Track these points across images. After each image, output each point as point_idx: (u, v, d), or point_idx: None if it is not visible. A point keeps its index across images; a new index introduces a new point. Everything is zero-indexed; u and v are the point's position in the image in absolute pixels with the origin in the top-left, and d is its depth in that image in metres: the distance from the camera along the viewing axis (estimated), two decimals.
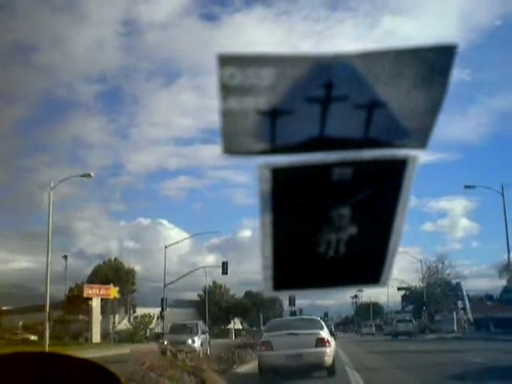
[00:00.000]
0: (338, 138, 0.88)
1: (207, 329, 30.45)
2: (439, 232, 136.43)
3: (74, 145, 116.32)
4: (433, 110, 0.85)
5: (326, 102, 0.85)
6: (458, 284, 60.67)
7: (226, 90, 0.83)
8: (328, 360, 14.48)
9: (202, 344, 26.71)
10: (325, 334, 15.18)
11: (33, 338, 51.33)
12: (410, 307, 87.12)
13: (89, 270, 68.11)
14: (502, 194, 39.15)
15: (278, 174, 0.90)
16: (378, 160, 0.90)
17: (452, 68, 0.82)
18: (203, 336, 28.05)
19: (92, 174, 37.66)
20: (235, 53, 0.82)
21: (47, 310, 33.74)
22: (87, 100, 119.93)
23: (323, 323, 16.50)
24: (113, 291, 54.35)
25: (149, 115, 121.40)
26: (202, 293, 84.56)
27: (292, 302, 67.48)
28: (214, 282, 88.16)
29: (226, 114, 0.84)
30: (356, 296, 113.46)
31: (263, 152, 0.88)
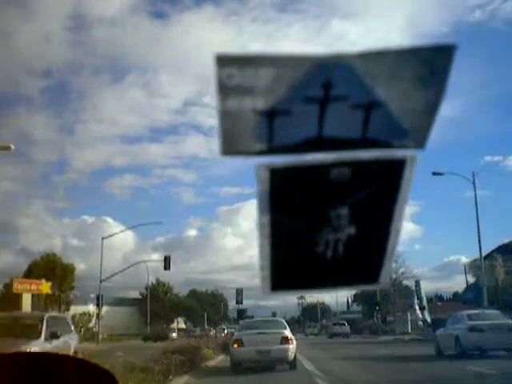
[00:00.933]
0: (337, 139, 0.88)
1: (72, 327, 17.38)
2: None
3: (19, 140, 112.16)
4: (431, 110, 0.85)
5: (325, 103, 0.84)
6: (417, 282, 55.89)
7: (224, 90, 0.82)
8: (291, 355, 16.79)
9: None
10: (288, 333, 17.51)
11: None
12: (360, 307, 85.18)
13: None
14: (474, 183, 36.21)
15: (276, 174, 0.89)
16: (376, 160, 0.90)
17: (450, 68, 0.83)
18: (54, 343, 14.20)
19: (12, 147, 30.28)
20: (233, 53, 0.81)
21: None
22: (33, 95, 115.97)
23: (286, 324, 18.83)
24: (44, 287, 50.79)
25: (95, 112, 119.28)
26: (144, 291, 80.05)
27: (240, 300, 66.86)
28: (158, 280, 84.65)
29: (225, 115, 0.83)
30: (302, 297, 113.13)
31: (261, 152, 0.87)
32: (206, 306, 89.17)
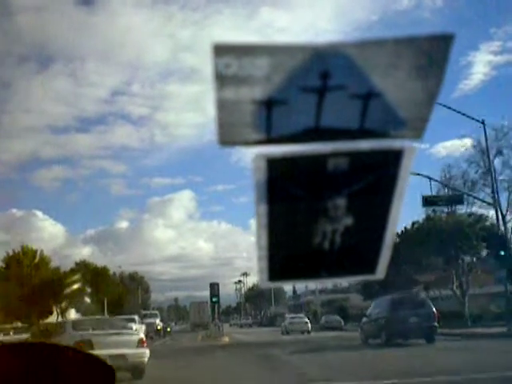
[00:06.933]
0: (334, 129, 0.87)
1: None
2: None
3: None
4: (429, 100, 0.85)
5: (322, 92, 0.84)
6: None
7: (222, 79, 0.81)
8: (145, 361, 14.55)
9: None
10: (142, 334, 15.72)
11: None
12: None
13: None
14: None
15: (273, 164, 0.89)
16: (373, 150, 0.90)
17: (448, 58, 0.83)
18: None
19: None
20: (230, 42, 0.80)
21: None
22: None
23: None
24: None
25: (22, 102, 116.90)
26: (2, 264, 53.44)
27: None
28: (24, 247, 55.29)
29: (222, 105, 0.83)
30: (240, 281, 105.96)
31: (259, 142, 0.87)
32: (109, 289, 60.99)
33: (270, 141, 0.87)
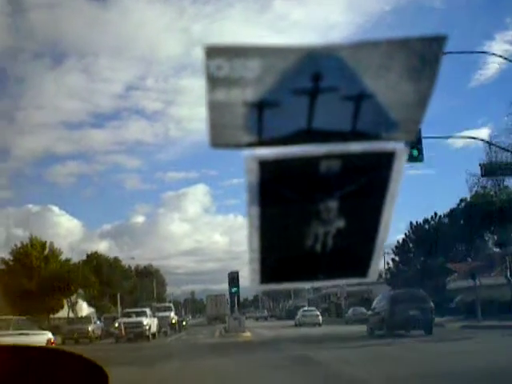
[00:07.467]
0: (326, 131, 0.87)
1: None
2: None
3: None
4: (422, 102, 0.85)
5: (314, 94, 0.83)
6: None
7: (213, 81, 0.81)
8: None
9: None
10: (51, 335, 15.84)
11: None
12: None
13: None
14: None
15: (265, 166, 0.88)
16: (366, 153, 0.89)
17: (441, 59, 0.82)
18: None
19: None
20: (222, 44, 0.80)
21: None
22: None
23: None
24: None
25: (35, 98, 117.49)
26: (9, 256, 50.28)
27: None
28: (32, 239, 51.92)
29: (213, 106, 0.83)
30: None
31: (251, 144, 0.87)
32: (122, 282, 58.20)
33: (261, 143, 0.86)
